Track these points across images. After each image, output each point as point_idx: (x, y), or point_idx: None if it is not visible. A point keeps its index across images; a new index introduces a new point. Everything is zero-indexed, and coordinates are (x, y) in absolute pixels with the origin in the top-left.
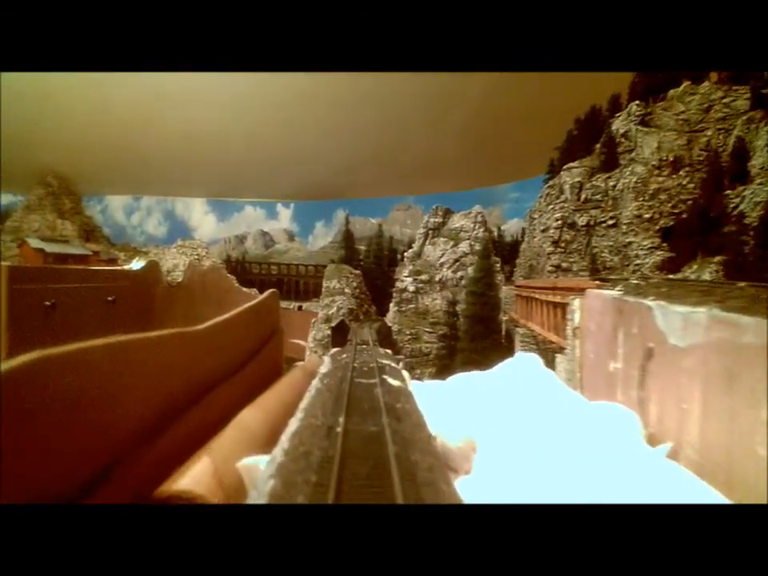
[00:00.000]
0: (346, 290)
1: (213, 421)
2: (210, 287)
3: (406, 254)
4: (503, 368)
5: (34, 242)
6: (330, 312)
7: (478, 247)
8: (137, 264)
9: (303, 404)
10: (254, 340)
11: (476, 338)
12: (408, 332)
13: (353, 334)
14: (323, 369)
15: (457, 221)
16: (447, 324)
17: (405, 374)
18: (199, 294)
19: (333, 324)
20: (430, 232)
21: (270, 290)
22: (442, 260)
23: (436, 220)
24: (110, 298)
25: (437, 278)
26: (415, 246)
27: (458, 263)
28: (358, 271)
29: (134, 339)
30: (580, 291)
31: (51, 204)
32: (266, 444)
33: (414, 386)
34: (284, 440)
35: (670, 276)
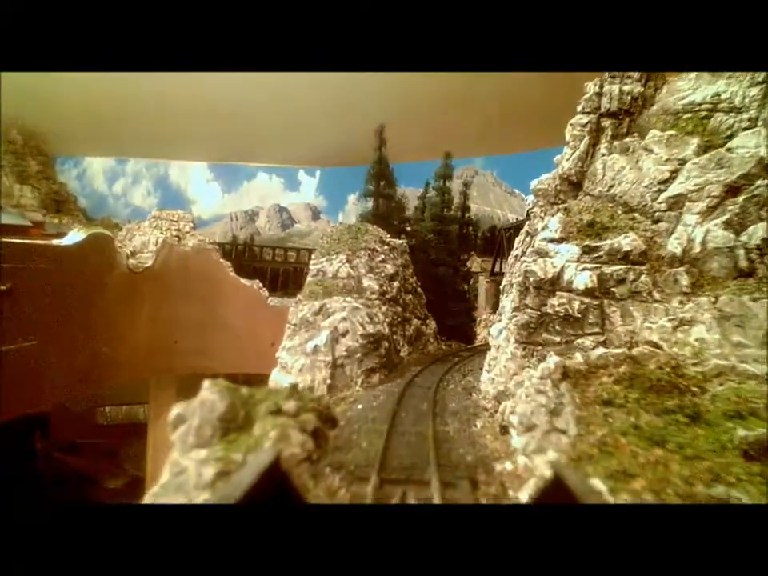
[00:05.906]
0: (368, 283)
1: None
2: (194, 276)
3: (534, 183)
4: None
5: None
6: (310, 349)
7: None
8: (74, 236)
9: None
10: None
11: None
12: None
13: None
14: None
15: (688, 90)
16: None
17: None
18: (177, 285)
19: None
20: (610, 125)
21: None
22: (669, 192)
23: (628, 89)
24: (2, 287)
25: (672, 249)
26: (567, 162)
27: (755, 199)
28: (401, 241)
29: None
30: None
31: (11, 165)
32: None
33: None
34: None
35: None
